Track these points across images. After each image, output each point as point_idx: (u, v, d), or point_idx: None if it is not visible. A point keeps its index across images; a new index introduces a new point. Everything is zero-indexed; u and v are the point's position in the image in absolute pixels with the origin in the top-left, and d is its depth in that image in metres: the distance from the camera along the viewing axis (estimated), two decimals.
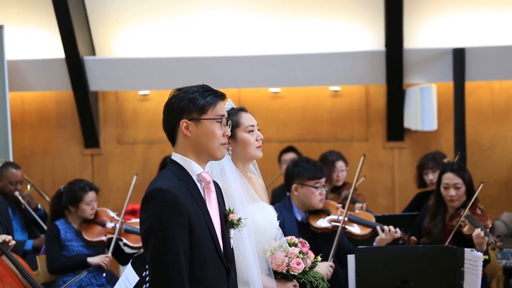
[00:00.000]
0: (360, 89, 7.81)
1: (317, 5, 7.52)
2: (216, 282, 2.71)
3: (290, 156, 6.77)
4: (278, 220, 3.41)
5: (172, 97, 2.76)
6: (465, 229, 4.60)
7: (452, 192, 4.76)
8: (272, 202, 6.47)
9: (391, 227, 4.66)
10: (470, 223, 4.60)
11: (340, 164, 6.28)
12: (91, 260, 5.07)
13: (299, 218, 4.60)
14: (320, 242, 4.55)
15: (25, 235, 6.17)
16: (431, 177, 5.79)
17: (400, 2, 7.05)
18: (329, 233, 4.64)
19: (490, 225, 4.68)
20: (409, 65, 7.36)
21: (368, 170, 7.62)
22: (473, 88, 7.54)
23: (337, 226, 4.61)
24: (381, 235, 4.62)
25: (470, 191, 4.80)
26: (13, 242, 3.89)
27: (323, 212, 4.67)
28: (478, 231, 4.46)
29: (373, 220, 4.89)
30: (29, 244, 6.01)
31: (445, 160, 5.88)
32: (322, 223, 4.63)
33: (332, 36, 7.55)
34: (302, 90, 7.90)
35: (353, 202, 6.01)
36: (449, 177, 4.79)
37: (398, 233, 4.65)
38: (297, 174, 4.57)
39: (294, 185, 4.57)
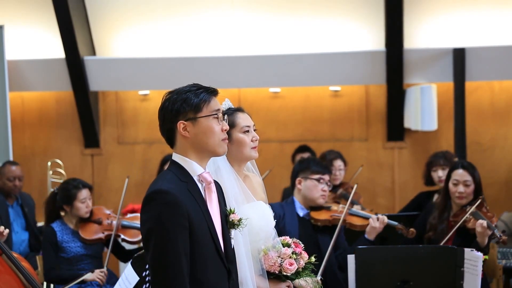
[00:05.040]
0: (360, 89, 7.81)
1: (317, 5, 7.52)
2: (217, 283, 2.70)
3: (305, 155, 6.71)
4: (276, 217, 3.41)
5: (166, 101, 2.75)
6: (470, 224, 4.61)
7: (461, 188, 4.76)
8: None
9: (382, 216, 4.75)
10: (476, 218, 4.59)
11: (338, 163, 6.30)
12: (87, 277, 4.93)
13: (300, 214, 4.67)
14: (319, 237, 4.64)
15: (25, 236, 6.17)
16: (441, 174, 5.76)
17: (400, 2, 7.04)
18: (329, 226, 4.69)
19: (495, 222, 4.69)
20: (409, 65, 7.35)
21: (368, 170, 7.63)
22: (473, 88, 7.54)
23: (337, 219, 4.68)
24: (372, 223, 4.69)
25: (478, 191, 4.79)
26: (7, 231, 3.90)
27: (325, 208, 4.77)
28: (481, 221, 4.47)
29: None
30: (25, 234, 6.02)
31: (455, 160, 5.88)
32: (323, 215, 4.71)
33: (332, 36, 7.54)
34: (302, 90, 7.90)
35: (352, 202, 6.02)
36: (460, 174, 4.79)
37: (385, 219, 4.70)
38: (302, 169, 4.72)
39: (298, 179, 4.70)
